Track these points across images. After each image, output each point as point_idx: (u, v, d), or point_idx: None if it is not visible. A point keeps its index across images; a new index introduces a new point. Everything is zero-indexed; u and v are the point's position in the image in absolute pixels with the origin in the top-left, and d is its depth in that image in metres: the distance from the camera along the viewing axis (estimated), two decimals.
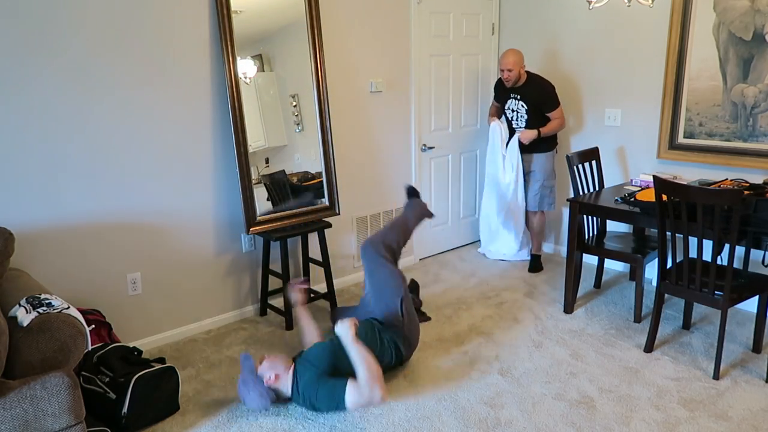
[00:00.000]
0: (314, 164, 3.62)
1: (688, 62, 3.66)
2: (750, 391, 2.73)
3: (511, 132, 4.24)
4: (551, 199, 4.26)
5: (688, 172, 3.74)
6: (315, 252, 3.76)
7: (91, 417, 2.39)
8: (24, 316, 2.09)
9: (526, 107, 4.07)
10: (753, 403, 2.64)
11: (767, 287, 2.95)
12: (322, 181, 3.63)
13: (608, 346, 3.17)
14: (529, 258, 4.41)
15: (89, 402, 2.39)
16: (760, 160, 3.43)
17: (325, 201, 3.64)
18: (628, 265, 4.14)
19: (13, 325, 2.09)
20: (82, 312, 2.46)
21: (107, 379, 2.48)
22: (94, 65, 2.82)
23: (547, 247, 4.69)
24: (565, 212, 4.30)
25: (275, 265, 3.57)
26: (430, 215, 3.44)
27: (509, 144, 4.18)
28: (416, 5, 4.11)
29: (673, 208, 2.83)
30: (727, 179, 3.28)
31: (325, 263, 3.62)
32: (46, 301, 2.18)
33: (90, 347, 2.59)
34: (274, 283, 3.62)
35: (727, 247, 2.74)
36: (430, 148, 4.43)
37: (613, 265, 4.25)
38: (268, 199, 3.42)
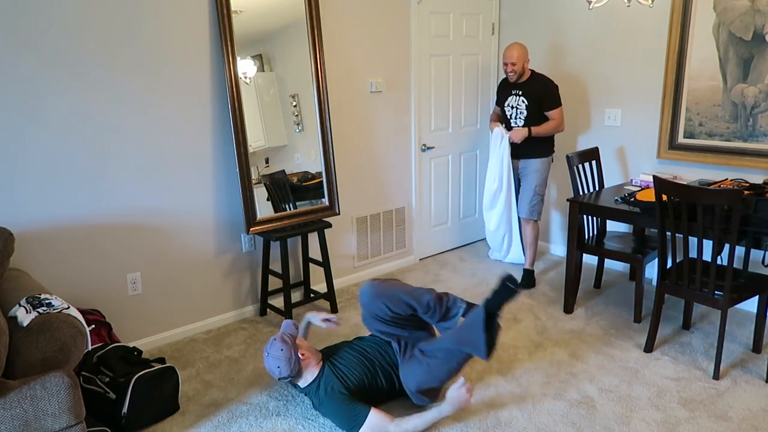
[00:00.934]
0: (314, 164, 3.62)
1: (688, 62, 3.66)
2: (750, 391, 2.74)
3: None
4: (540, 208, 4.04)
5: (688, 172, 3.74)
6: (315, 252, 3.76)
7: (91, 417, 2.39)
8: (24, 316, 2.09)
9: (526, 102, 3.87)
10: (753, 403, 2.64)
11: (767, 287, 2.95)
12: (322, 181, 3.63)
13: (608, 346, 3.17)
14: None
15: (89, 402, 2.39)
16: (760, 160, 3.43)
17: (325, 201, 3.64)
18: (628, 265, 4.14)
19: (13, 325, 2.08)
20: (82, 312, 2.46)
21: (107, 379, 2.48)
22: (93, 65, 2.82)
23: (548, 247, 4.69)
24: (566, 212, 4.30)
25: (275, 265, 3.57)
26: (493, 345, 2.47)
27: (500, 145, 4.00)
28: (416, 5, 4.11)
29: (673, 208, 2.82)
30: (727, 179, 3.28)
31: (325, 263, 3.62)
32: (46, 301, 2.18)
33: (90, 347, 2.59)
34: (274, 283, 3.62)
35: (727, 247, 2.74)
36: (430, 148, 4.43)
37: (613, 265, 4.25)
38: (268, 199, 3.42)
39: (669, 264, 3.02)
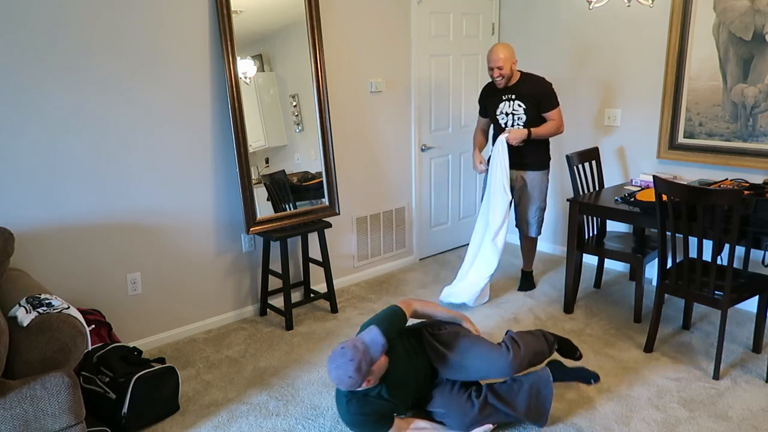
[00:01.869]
0: (314, 164, 3.62)
1: (688, 62, 3.66)
2: (750, 391, 2.73)
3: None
4: (542, 223, 3.79)
5: (688, 172, 3.74)
6: (315, 252, 3.76)
7: (91, 417, 2.39)
8: (24, 316, 2.09)
9: (524, 106, 3.53)
10: (753, 403, 2.64)
11: (767, 287, 2.95)
12: (322, 181, 3.63)
13: (608, 346, 3.17)
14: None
15: (89, 402, 2.39)
16: (760, 160, 3.43)
17: (325, 201, 3.64)
18: (628, 265, 4.14)
19: (13, 325, 2.08)
20: (82, 312, 2.46)
21: (107, 379, 2.48)
22: (93, 65, 2.82)
23: (547, 247, 4.69)
24: (566, 212, 4.30)
25: (275, 265, 3.57)
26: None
27: (493, 151, 3.56)
28: (416, 5, 4.11)
29: (673, 208, 2.83)
30: (727, 179, 3.28)
31: (325, 263, 3.62)
32: (46, 301, 2.18)
33: (90, 347, 2.59)
34: (274, 283, 3.62)
35: (727, 247, 2.74)
36: (430, 148, 4.43)
37: (613, 265, 4.25)
38: (268, 199, 3.42)
39: (669, 264, 3.02)
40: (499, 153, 3.51)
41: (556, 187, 4.46)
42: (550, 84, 3.60)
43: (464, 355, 2.47)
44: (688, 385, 2.79)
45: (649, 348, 3.10)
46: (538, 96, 3.54)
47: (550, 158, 3.75)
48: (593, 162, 3.91)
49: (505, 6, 4.61)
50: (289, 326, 3.44)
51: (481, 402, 2.39)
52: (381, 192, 4.21)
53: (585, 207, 3.45)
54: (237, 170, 3.26)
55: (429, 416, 2.49)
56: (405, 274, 4.34)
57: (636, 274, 3.44)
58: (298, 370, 3.00)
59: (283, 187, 3.50)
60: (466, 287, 3.65)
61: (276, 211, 3.44)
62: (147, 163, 3.07)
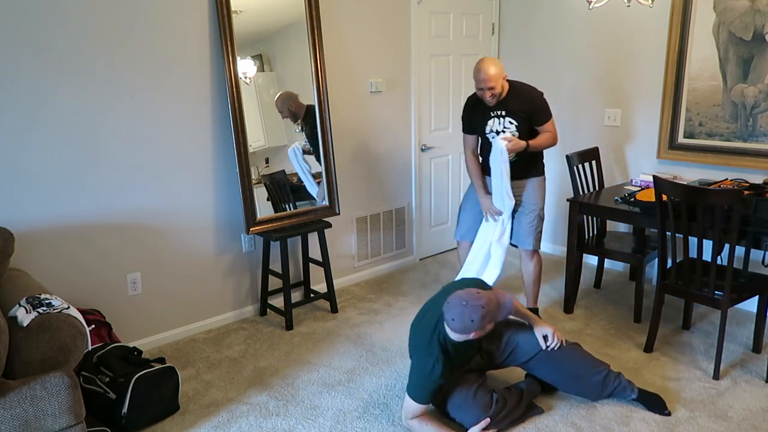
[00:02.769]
0: (314, 164, 3.62)
1: (688, 62, 3.66)
2: (750, 391, 2.73)
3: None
4: (540, 236, 3.41)
5: (688, 172, 3.74)
6: (315, 252, 3.76)
7: (91, 417, 2.39)
8: (24, 316, 2.09)
9: (515, 123, 3.17)
10: (753, 403, 2.64)
11: (767, 287, 2.95)
12: (322, 181, 3.63)
13: (608, 346, 3.17)
14: None
15: (89, 402, 2.39)
16: (760, 160, 3.43)
17: (325, 201, 3.64)
18: (628, 265, 4.14)
19: (13, 325, 2.08)
20: (82, 312, 2.46)
21: (107, 379, 2.48)
22: (93, 65, 2.82)
23: (548, 247, 4.69)
24: (565, 212, 4.29)
25: (275, 265, 3.57)
26: None
27: (491, 158, 3.22)
28: (416, 5, 4.11)
29: (673, 208, 2.83)
30: (727, 179, 3.29)
31: (325, 263, 3.62)
32: (46, 301, 2.18)
33: (90, 347, 2.60)
34: (274, 283, 3.62)
35: (727, 247, 2.74)
36: (430, 148, 4.43)
37: (613, 265, 4.25)
38: (268, 199, 3.43)
39: (669, 264, 3.02)
40: (498, 159, 3.20)
41: (556, 187, 4.46)
42: (542, 94, 3.23)
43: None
44: (688, 385, 2.79)
45: (649, 348, 3.10)
46: (529, 111, 3.20)
47: (544, 164, 3.44)
48: (593, 162, 3.91)
49: (505, 6, 4.61)
50: (289, 326, 3.44)
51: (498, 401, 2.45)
52: (381, 192, 4.21)
53: (585, 207, 3.45)
54: (237, 170, 3.26)
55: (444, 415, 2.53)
56: (405, 274, 4.34)
57: (636, 274, 3.44)
58: (298, 370, 3.00)
59: (283, 187, 3.50)
60: None
61: (276, 211, 3.44)
62: (147, 163, 3.07)
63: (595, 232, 3.79)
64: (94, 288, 2.99)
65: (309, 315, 3.65)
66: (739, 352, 3.08)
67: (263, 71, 3.38)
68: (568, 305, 3.59)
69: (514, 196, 3.28)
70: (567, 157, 3.76)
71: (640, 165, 4.02)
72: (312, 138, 3.56)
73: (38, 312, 2.10)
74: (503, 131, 3.20)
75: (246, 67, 3.27)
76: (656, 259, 3.06)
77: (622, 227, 4.03)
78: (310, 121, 3.55)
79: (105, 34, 2.83)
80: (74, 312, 2.19)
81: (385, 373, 2.96)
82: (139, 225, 3.09)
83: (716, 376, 2.83)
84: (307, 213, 3.55)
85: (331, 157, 3.62)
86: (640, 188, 3.57)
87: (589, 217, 3.70)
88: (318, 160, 3.61)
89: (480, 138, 3.36)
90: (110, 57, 2.86)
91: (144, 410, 2.49)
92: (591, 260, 4.12)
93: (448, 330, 2.27)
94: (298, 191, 3.58)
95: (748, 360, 3.00)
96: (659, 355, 3.06)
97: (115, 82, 2.89)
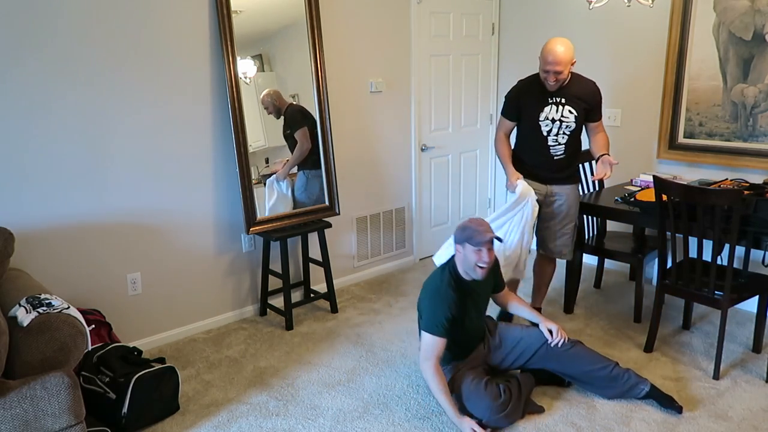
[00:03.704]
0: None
1: (688, 62, 3.66)
2: (750, 391, 2.74)
3: (541, 160, 3.09)
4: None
5: (688, 172, 3.74)
6: (315, 252, 3.76)
7: (91, 417, 2.39)
8: (24, 316, 2.09)
9: (575, 113, 2.96)
10: (753, 403, 2.64)
11: (767, 287, 2.95)
12: (321, 181, 3.63)
13: (608, 346, 3.17)
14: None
15: (89, 402, 2.39)
16: (760, 160, 3.43)
17: (325, 201, 3.64)
18: (628, 265, 4.14)
19: (13, 325, 2.08)
20: (82, 312, 2.46)
21: (107, 379, 2.48)
22: (94, 65, 2.82)
23: None
24: None
25: (275, 265, 3.57)
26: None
27: (516, 202, 2.98)
28: (416, 5, 4.11)
29: (673, 208, 2.83)
30: (727, 179, 3.28)
31: (325, 263, 3.62)
32: (46, 301, 2.18)
33: (90, 347, 2.59)
34: (274, 283, 3.62)
35: (727, 247, 2.74)
36: (430, 148, 4.43)
37: (613, 265, 4.25)
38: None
39: (669, 264, 3.02)
40: (523, 208, 2.97)
41: None
42: (600, 90, 3.08)
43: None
44: (688, 385, 2.79)
45: (649, 348, 3.10)
46: (590, 104, 3.00)
47: None
48: (593, 162, 3.90)
49: (505, 6, 4.61)
50: (289, 326, 3.44)
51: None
52: (381, 192, 4.21)
53: (585, 207, 3.45)
54: (237, 170, 3.26)
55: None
56: (405, 274, 4.34)
57: (636, 274, 3.44)
58: (298, 370, 3.00)
59: None
60: None
61: (276, 211, 3.43)
62: (147, 163, 3.07)
63: (595, 232, 3.79)
64: (94, 288, 2.99)
65: (309, 315, 3.65)
66: (739, 352, 3.08)
67: (263, 71, 3.38)
68: (568, 305, 3.59)
69: (551, 202, 3.13)
70: None
71: (640, 165, 4.02)
72: (290, 138, 3.52)
73: (38, 312, 2.10)
74: (561, 120, 2.98)
75: (246, 67, 3.27)
76: (656, 259, 3.06)
77: (622, 227, 4.03)
78: (288, 118, 3.50)
79: (105, 34, 2.83)
80: (74, 312, 2.19)
81: (385, 373, 2.96)
82: (139, 225, 3.09)
83: (716, 376, 2.83)
84: (307, 213, 3.55)
85: (331, 157, 3.62)
86: (640, 188, 3.57)
87: (589, 217, 3.70)
88: (291, 151, 3.52)
89: (525, 126, 3.10)
90: (110, 57, 2.86)
91: (144, 410, 2.49)
92: (591, 260, 4.12)
93: (457, 259, 2.53)
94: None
95: (748, 360, 3.01)
96: (659, 355, 3.06)
97: (115, 82, 2.89)
